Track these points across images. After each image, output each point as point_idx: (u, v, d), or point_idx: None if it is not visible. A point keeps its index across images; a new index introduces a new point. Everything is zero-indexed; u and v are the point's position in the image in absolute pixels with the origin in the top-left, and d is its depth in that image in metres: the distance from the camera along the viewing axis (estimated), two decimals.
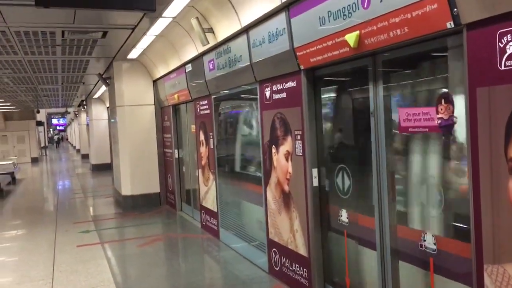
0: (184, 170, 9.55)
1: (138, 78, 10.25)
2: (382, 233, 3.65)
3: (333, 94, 4.52)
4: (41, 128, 36.31)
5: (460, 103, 2.85)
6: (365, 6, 3.32)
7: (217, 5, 5.54)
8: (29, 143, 28.19)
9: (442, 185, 3.17)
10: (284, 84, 4.80)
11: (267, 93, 5.18)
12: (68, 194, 14.33)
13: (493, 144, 2.51)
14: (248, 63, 5.39)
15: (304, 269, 4.60)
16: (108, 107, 16.05)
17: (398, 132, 3.49)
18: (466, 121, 2.68)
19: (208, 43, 6.15)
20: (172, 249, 7.35)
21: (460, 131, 2.88)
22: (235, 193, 6.89)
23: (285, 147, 4.84)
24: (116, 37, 7.66)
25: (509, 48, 2.39)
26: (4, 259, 6.72)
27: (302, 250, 4.63)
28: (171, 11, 6.00)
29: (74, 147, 41.34)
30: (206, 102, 7.37)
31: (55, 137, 57.49)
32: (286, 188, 4.87)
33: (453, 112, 2.92)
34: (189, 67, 7.66)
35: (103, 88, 14.13)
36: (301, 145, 4.53)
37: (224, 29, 5.76)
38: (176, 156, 9.74)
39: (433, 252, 3.16)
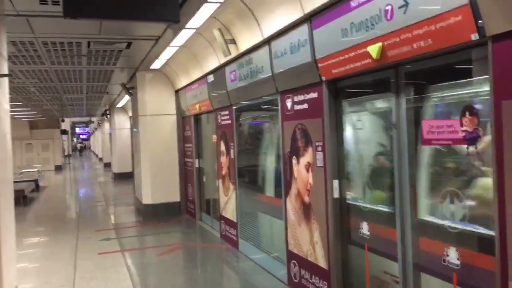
0: (204, 180, 9.59)
1: (160, 88, 10.39)
2: (404, 246, 3.60)
3: (354, 106, 4.50)
4: (65, 137, 36.97)
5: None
6: (388, 17, 3.31)
7: (240, 16, 5.60)
8: (53, 151, 28.72)
9: (466, 198, 3.12)
10: (305, 95, 4.81)
11: (288, 104, 5.19)
12: (90, 202, 14.52)
13: None
14: (270, 74, 5.42)
15: (324, 282, 4.56)
16: (130, 117, 16.28)
17: (420, 144, 3.45)
18: (491, 134, 2.64)
19: (230, 54, 6.21)
20: (191, 258, 7.37)
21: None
22: (255, 204, 6.88)
23: (306, 158, 4.82)
24: (140, 48, 7.80)
25: None
26: (27, 265, 6.82)
27: (322, 262, 4.59)
28: (194, 23, 6.09)
29: (97, 155, 41.96)
30: (227, 112, 7.41)
31: (78, 146, 58.47)
32: (306, 199, 4.85)
33: (477, 124, 2.88)
34: (211, 78, 7.73)
35: (126, 97, 14.35)
36: (322, 157, 4.52)
37: (246, 40, 5.81)
38: (197, 165, 9.80)
39: (456, 268, 3.10)
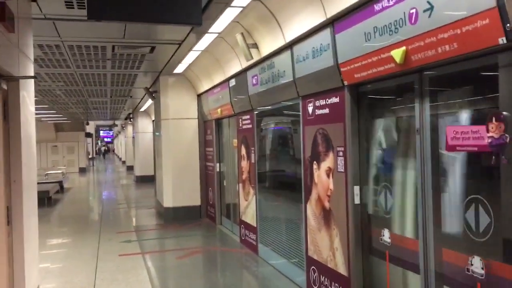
0: (225, 184, 9.61)
1: (183, 92, 10.47)
2: (426, 255, 3.52)
3: (377, 111, 4.44)
4: (89, 140, 37.58)
5: None
6: (413, 21, 3.26)
7: (262, 21, 5.59)
8: (78, 154, 29.22)
9: (491, 207, 3.03)
10: (327, 100, 4.77)
11: (310, 109, 5.15)
12: (112, 204, 14.70)
13: None
14: (292, 79, 5.39)
15: None
16: (153, 121, 16.45)
17: (445, 151, 3.37)
18: None
19: (252, 58, 6.21)
20: (211, 262, 7.37)
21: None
22: (275, 209, 6.85)
23: (327, 163, 4.78)
24: (163, 52, 7.87)
25: None
26: (49, 265, 6.92)
27: (342, 269, 4.52)
28: (217, 27, 6.11)
29: (120, 158, 42.52)
30: (248, 116, 7.41)
31: (102, 149, 59.36)
32: (327, 205, 4.80)
33: (504, 131, 2.80)
34: (232, 82, 7.75)
35: (149, 101, 14.51)
36: (343, 162, 4.46)
37: (268, 44, 5.80)
38: (218, 170, 9.82)
39: (480, 277, 3.01)
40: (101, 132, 51.96)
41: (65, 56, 7.92)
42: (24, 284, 4.19)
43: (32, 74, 4.73)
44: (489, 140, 2.89)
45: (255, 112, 7.14)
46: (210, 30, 6.27)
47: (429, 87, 3.49)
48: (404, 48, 3.39)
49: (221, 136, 9.80)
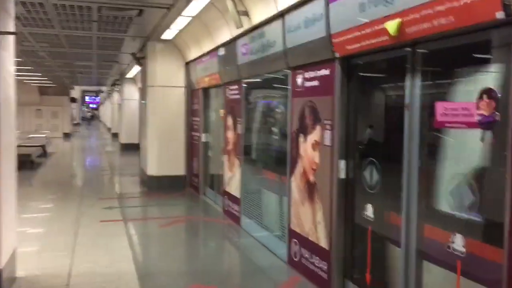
0: (210, 154, 9.53)
1: (171, 59, 10.26)
2: (408, 232, 3.50)
3: (367, 84, 4.36)
4: (74, 105, 37.05)
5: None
6: None
7: None
8: (62, 119, 28.79)
9: (476, 185, 3.00)
10: (317, 71, 4.67)
11: (299, 81, 5.05)
12: (95, 170, 14.58)
13: None
14: (282, 49, 5.27)
15: (324, 262, 4.49)
16: (139, 88, 16.19)
17: (433, 127, 3.31)
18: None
19: (242, 26, 6.05)
20: (193, 232, 7.35)
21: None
22: (259, 181, 6.81)
23: (313, 136, 4.71)
24: (152, 16, 7.65)
25: None
26: (29, 229, 6.84)
27: (323, 243, 4.52)
28: None
29: (106, 125, 42.09)
30: (236, 87, 7.29)
31: (88, 115, 58.67)
32: (311, 178, 4.76)
33: (495, 108, 2.75)
34: (221, 51, 7.59)
35: (136, 68, 14.24)
36: (330, 136, 4.41)
37: (259, 12, 5.65)
38: (203, 140, 9.72)
39: (461, 255, 3.01)
40: (86, 97, 51.24)
41: (49, 16, 7.65)
42: (0, 245, 4.11)
43: (12, 30, 4.54)
44: (479, 118, 2.84)
45: (244, 82, 7.01)
46: None
47: (422, 62, 3.41)
48: (399, 20, 3.30)
49: (208, 106, 9.66)
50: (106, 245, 6.00)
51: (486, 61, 3.04)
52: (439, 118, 3.16)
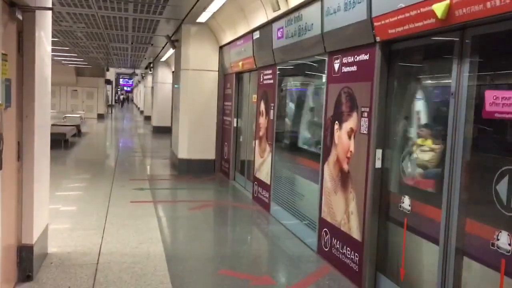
0: (241, 139, 9.46)
1: (205, 43, 10.19)
2: (448, 227, 3.33)
3: (409, 71, 4.16)
4: (109, 87, 37.61)
5: None
6: None
7: None
8: (97, 100, 29.30)
9: None
10: (355, 56, 4.49)
11: (336, 66, 4.88)
12: (128, 151, 14.75)
13: None
14: (319, 33, 5.10)
15: (356, 254, 4.36)
16: (173, 72, 16.23)
17: (481, 117, 3.11)
18: None
19: (280, 9, 5.90)
20: (222, 216, 7.32)
21: None
22: (291, 168, 6.70)
23: (349, 124, 4.55)
24: None
25: None
26: (61, 207, 6.95)
27: (356, 234, 4.38)
28: None
29: (138, 108, 42.64)
30: (270, 71, 7.16)
31: (121, 97, 59.59)
32: (346, 167, 4.61)
33: None
34: (256, 34, 7.45)
35: (170, 51, 14.25)
36: (367, 123, 4.24)
37: None
38: (235, 125, 9.65)
39: (506, 253, 2.83)
40: (121, 80, 52.01)
41: None
42: (32, 221, 4.15)
43: (49, 5, 4.53)
44: None
45: (278, 67, 6.87)
46: None
47: (471, 47, 3.20)
48: (448, 1, 3.10)
49: (241, 91, 9.57)
50: (135, 226, 6.03)
51: None
52: (488, 107, 2.96)
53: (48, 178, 4.82)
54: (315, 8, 5.18)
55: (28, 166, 4.09)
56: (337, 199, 4.77)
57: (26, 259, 4.10)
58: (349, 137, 4.55)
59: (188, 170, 10.21)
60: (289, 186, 6.57)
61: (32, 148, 4.10)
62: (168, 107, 18.91)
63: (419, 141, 3.88)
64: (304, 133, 6.43)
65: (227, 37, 9.30)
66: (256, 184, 7.74)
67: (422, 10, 3.37)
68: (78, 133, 17.33)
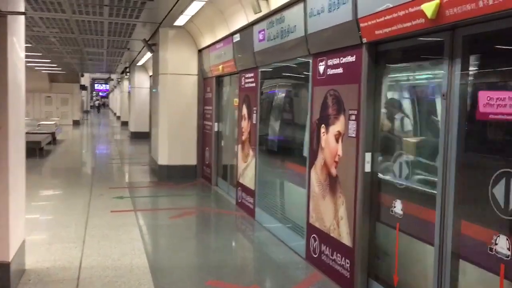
0: (222, 144, 9.31)
1: (183, 46, 10.02)
2: (442, 230, 3.26)
3: (397, 73, 4.10)
4: (84, 93, 36.94)
5: None
6: None
7: None
8: (72, 106, 28.71)
9: None
10: (341, 58, 4.41)
11: (321, 68, 4.80)
12: (105, 158, 14.43)
13: None
14: (303, 34, 5.01)
15: (347, 260, 4.27)
16: (150, 76, 15.98)
17: (474, 118, 3.05)
18: None
19: (261, 11, 5.79)
20: (205, 224, 7.16)
21: None
22: (275, 173, 6.58)
23: (336, 127, 4.46)
24: (165, 0, 7.39)
25: None
26: (39, 217, 6.69)
27: (346, 239, 4.29)
28: None
29: (115, 114, 42.01)
30: (252, 75, 7.04)
31: (97, 103, 58.68)
32: (334, 171, 4.52)
33: None
34: (237, 37, 7.33)
35: (147, 56, 14.01)
36: (355, 126, 4.15)
37: None
38: (216, 129, 9.50)
39: (505, 258, 2.76)
40: (96, 85, 51.19)
41: None
42: (8, 237, 3.93)
43: (22, 10, 4.32)
44: None
45: (260, 70, 6.76)
46: None
47: (462, 47, 3.13)
48: (438, 0, 3.03)
49: (221, 95, 9.42)
50: (117, 237, 5.82)
51: None
52: (482, 108, 2.90)
53: (23, 189, 4.60)
54: (297, 9, 5.09)
55: (2, 178, 3.88)
56: (326, 205, 4.67)
57: (2, 278, 3.89)
58: (337, 141, 4.46)
59: (168, 176, 10.00)
60: (275, 191, 6.46)
61: (5, 159, 3.89)
62: (145, 112, 18.63)
63: (407, 142, 3.81)
64: (289, 137, 6.32)
65: (206, 40, 9.15)
66: (240, 189, 7.60)
67: (411, 10, 3.30)
68: (53, 140, 16.89)
